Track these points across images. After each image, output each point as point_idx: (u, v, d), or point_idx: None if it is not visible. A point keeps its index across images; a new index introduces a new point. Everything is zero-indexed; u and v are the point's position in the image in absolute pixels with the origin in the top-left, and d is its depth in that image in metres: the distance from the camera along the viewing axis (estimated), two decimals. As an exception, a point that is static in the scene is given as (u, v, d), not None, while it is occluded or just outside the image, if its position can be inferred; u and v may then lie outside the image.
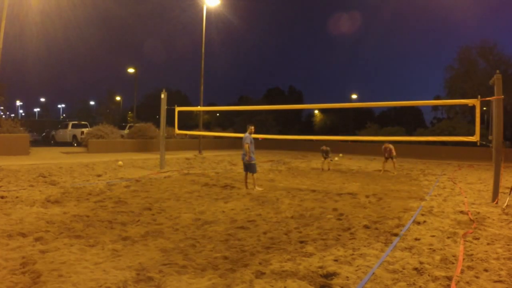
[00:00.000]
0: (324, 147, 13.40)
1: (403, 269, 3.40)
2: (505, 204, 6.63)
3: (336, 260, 3.64)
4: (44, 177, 9.19)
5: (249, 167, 8.22)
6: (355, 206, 6.54)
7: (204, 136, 23.59)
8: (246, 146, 8.10)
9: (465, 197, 7.67)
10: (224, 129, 31.70)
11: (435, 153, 22.30)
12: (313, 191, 8.33)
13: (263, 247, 4.06)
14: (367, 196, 7.63)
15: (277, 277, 3.16)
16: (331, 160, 14.52)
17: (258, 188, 8.18)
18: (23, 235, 4.19)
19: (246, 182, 8.44)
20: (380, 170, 13.27)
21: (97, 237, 4.23)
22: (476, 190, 8.82)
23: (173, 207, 6.09)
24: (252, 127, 8.45)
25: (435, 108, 45.91)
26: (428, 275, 3.23)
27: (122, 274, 3.13)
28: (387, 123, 37.75)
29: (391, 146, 12.75)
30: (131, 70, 36.03)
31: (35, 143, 24.16)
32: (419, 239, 4.43)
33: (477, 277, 3.21)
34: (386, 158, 12.79)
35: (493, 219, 5.58)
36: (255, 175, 8.26)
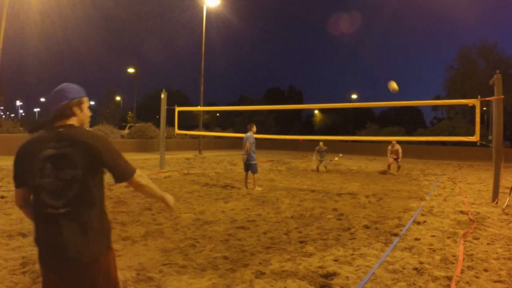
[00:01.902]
0: (321, 144, 12.30)
1: (403, 269, 3.40)
2: (505, 204, 6.63)
3: (336, 260, 3.64)
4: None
5: (250, 167, 8.22)
6: (355, 206, 6.54)
7: (204, 136, 23.60)
8: (248, 145, 8.10)
9: (465, 197, 7.68)
10: (224, 129, 31.72)
11: (435, 153, 22.31)
12: (313, 191, 8.33)
13: (263, 247, 4.06)
14: (367, 196, 7.63)
15: (277, 277, 3.16)
16: (331, 160, 14.33)
17: (258, 188, 8.18)
18: (23, 235, 4.20)
19: (246, 182, 8.44)
20: (384, 172, 12.31)
21: (97, 237, 4.22)
22: (476, 190, 8.82)
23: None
24: (254, 127, 8.43)
25: (435, 108, 45.96)
26: (428, 275, 3.23)
27: (122, 274, 3.13)
28: (387, 123, 37.78)
29: (398, 146, 12.06)
30: (131, 70, 36.06)
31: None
32: (419, 239, 4.43)
33: (477, 277, 3.21)
34: (393, 159, 12.20)
35: (493, 219, 5.58)
36: (256, 175, 8.26)
